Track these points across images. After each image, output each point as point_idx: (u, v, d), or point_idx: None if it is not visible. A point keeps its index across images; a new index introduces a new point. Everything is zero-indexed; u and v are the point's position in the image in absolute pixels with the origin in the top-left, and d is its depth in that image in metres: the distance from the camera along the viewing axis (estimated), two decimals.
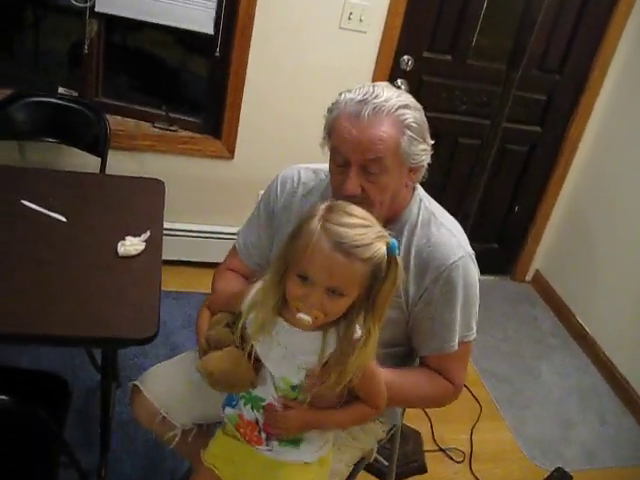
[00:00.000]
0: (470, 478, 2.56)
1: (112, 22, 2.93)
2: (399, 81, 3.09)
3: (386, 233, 1.27)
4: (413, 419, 2.69)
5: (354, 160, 1.46)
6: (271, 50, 2.93)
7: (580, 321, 3.48)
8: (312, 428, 1.42)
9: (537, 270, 3.88)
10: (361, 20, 2.95)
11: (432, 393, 1.64)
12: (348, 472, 1.77)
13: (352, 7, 2.91)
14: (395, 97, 1.46)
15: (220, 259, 2.78)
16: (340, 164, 1.49)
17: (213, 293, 1.75)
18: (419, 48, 3.10)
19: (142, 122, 3.06)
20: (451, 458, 2.63)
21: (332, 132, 1.51)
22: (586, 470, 2.71)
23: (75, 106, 2.72)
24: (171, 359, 1.85)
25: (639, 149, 3.22)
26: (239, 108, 3.02)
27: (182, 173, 3.06)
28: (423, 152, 1.50)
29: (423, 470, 2.55)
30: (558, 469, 2.64)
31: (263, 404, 1.40)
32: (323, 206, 1.28)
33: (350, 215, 1.26)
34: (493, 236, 3.73)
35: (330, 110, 1.52)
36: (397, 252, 1.25)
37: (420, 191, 1.65)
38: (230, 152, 3.11)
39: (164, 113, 3.05)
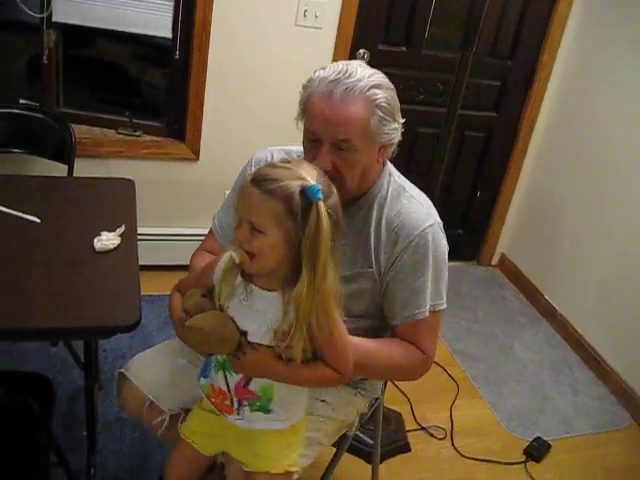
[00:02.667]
0: (453, 453, 2.62)
1: (70, 32, 2.94)
2: (361, 51, 3.17)
3: (309, 179, 1.29)
4: (394, 401, 2.75)
5: (325, 138, 1.51)
6: (230, 50, 2.98)
7: (548, 299, 3.58)
8: (271, 375, 1.41)
9: (502, 253, 3.98)
10: (316, 17, 3.02)
11: (404, 362, 1.65)
12: (329, 443, 1.81)
13: (307, 4, 2.98)
14: (367, 77, 1.51)
15: (185, 261, 2.82)
16: (313, 140, 1.55)
17: (190, 270, 1.78)
18: (374, 41, 3.18)
19: (106, 129, 3.08)
20: (433, 435, 2.69)
21: (305, 109, 1.56)
22: (563, 438, 2.79)
23: (38, 116, 2.72)
24: (154, 347, 1.88)
25: (592, 127, 3.33)
26: (201, 109, 3.06)
27: (149, 177, 3.09)
28: (393, 131, 1.56)
29: (407, 449, 2.60)
30: (537, 438, 2.72)
31: None
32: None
33: (279, 163, 1.35)
34: (457, 223, 3.82)
35: (305, 87, 1.57)
36: (318, 197, 1.26)
37: (390, 166, 1.70)
38: (195, 154, 3.15)
39: (127, 119, 3.07)
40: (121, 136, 3.06)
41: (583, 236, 3.38)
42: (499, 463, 2.60)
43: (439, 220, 1.66)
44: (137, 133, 3.08)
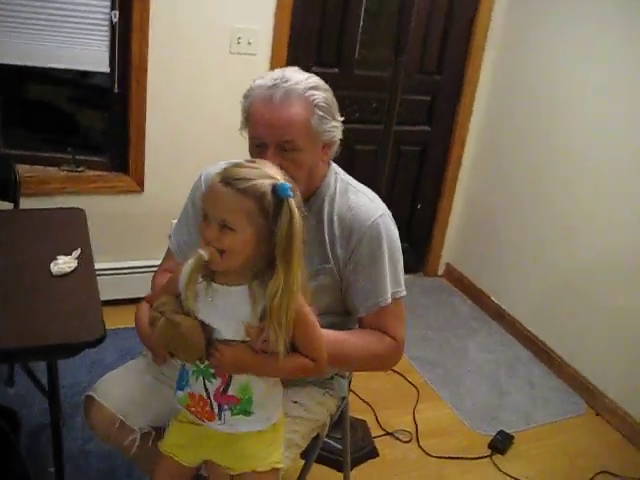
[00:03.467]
0: (420, 454, 2.66)
1: (5, 72, 2.95)
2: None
3: (278, 178, 1.35)
4: (357, 410, 2.78)
5: (270, 141, 1.57)
6: (168, 81, 3.04)
7: (496, 301, 3.69)
8: (249, 368, 1.42)
9: (447, 263, 4.09)
10: (249, 43, 3.10)
11: (376, 349, 1.69)
12: (304, 445, 1.81)
13: (239, 32, 3.06)
14: (304, 80, 1.59)
15: (140, 293, 2.82)
16: (258, 145, 1.60)
17: (152, 290, 1.79)
18: (307, 64, 3.27)
19: (49, 167, 3.07)
20: (399, 439, 2.73)
21: (248, 117, 1.62)
22: (525, 430, 2.86)
23: None
24: (120, 367, 1.88)
25: (522, 133, 3.49)
26: (143, 141, 3.09)
27: (95, 211, 3.01)
28: (334, 128, 1.63)
29: (375, 454, 2.63)
30: (500, 432, 2.79)
31: (212, 371, 1.44)
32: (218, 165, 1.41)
33: (245, 162, 1.39)
34: (401, 236, 3.83)
35: (245, 97, 1.63)
36: (288, 194, 1.31)
37: (334, 165, 1.77)
38: (139, 185, 3.17)
39: (70, 156, 3.07)
40: (65, 173, 3.06)
41: (522, 238, 3.52)
42: (466, 459, 2.66)
43: (388, 211, 1.73)
44: (80, 169, 3.08)
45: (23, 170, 2.89)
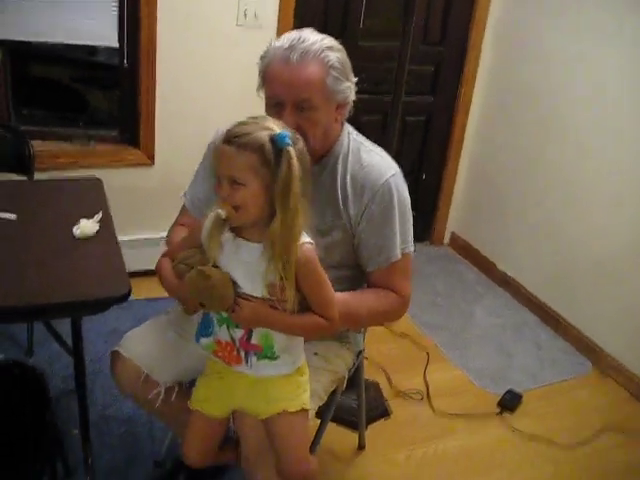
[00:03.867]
0: (431, 413, 2.74)
1: (17, 50, 3.00)
2: None
3: (275, 128, 1.40)
4: (369, 372, 2.84)
5: (287, 100, 1.62)
6: (176, 54, 3.08)
7: (501, 268, 3.75)
8: (265, 323, 1.49)
9: (453, 232, 4.15)
10: (256, 16, 3.14)
11: (383, 306, 1.77)
12: (325, 397, 1.87)
13: (246, 5, 3.10)
14: (319, 41, 1.64)
15: (151, 266, 2.88)
16: (275, 105, 1.65)
17: (169, 245, 1.85)
18: None
19: (61, 142, 3.13)
20: (411, 398, 2.80)
21: (265, 78, 1.67)
22: (532, 389, 2.94)
23: None
24: (143, 324, 1.94)
25: (525, 98, 3.54)
26: (153, 114, 3.14)
27: (106, 185, 3.12)
28: (347, 89, 1.69)
29: (388, 413, 2.70)
30: (509, 391, 2.86)
31: None
32: None
33: (246, 119, 1.43)
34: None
35: (262, 58, 1.69)
36: (286, 143, 1.37)
37: (347, 126, 1.82)
38: (150, 159, 3.22)
39: (81, 131, 3.13)
40: (76, 147, 3.11)
41: (526, 206, 3.57)
42: (476, 416, 2.73)
43: (399, 170, 1.79)
44: (91, 143, 3.13)
45: (36, 145, 2.92)
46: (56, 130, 3.17)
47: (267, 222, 1.42)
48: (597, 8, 3.07)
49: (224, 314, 1.52)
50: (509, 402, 2.80)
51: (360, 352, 2.11)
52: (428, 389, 2.85)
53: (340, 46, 1.70)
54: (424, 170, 3.93)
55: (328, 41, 1.66)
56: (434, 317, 3.38)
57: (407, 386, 2.86)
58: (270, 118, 1.48)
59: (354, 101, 1.76)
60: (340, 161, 1.76)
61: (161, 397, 1.80)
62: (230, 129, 1.41)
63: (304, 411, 1.59)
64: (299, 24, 3.22)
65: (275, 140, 1.37)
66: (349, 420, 2.57)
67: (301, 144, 1.45)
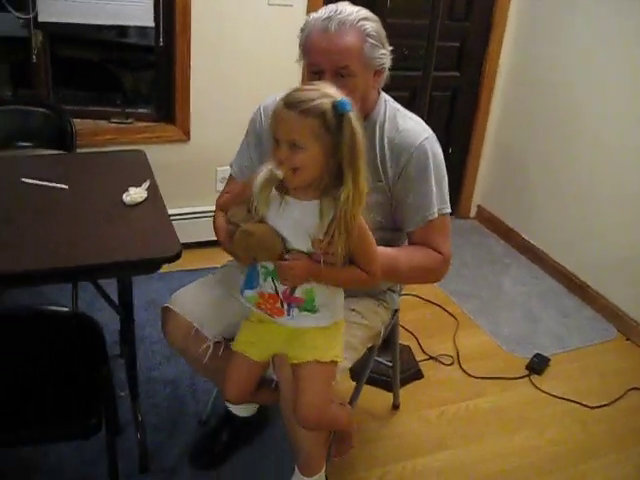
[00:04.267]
0: (462, 375, 2.84)
1: (56, 31, 3.11)
2: None
3: (337, 95, 1.47)
4: (401, 337, 2.93)
5: (327, 67, 1.71)
6: (210, 33, 3.18)
7: (527, 238, 3.83)
8: (314, 278, 1.58)
9: (479, 205, 4.23)
10: None
11: (425, 263, 1.86)
12: (362, 350, 1.98)
13: None
14: (355, 12, 1.73)
15: (191, 239, 3.00)
16: (315, 72, 1.75)
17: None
18: None
19: (99, 121, 3.24)
20: (442, 362, 2.90)
21: (305, 48, 1.77)
22: (559, 353, 3.02)
23: (38, 109, 2.88)
24: (193, 283, 2.05)
25: (550, 73, 3.60)
26: (188, 91, 3.25)
27: None
28: (383, 56, 1.78)
29: (420, 375, 2.80)
30: (537, 355, 2.95)
31: None
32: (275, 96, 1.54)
33: (306, 86, 1.51)
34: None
35: (302, 30, 1.79)
36: (347, 108, 1.44)
37: (384, 94, 1.92)
38: (186, 134, 3.33)
39: (119, 109, 3.24)
40: (114, 125, 3.23)
41: (550, 177, 3.65)
42: (506, 379, 2.82)
43: (432, 133, 1.89)
44: (129, 121, 3.25)
45: (75, 123, 3.06)
46: (94, 109, 3.29)
47: (319, 184, 1.50)
48: None
49: (269, 267, 1.61)
50: (537, 365, 2.89)
51: (396, 311, 2.21)
52: (458, 353, 2.95)
53: (375, 16, 1.78)
54: (451, 144, 4.00)
55: (364, 12, 1.76)
56: (462, 286, 3.47)
57: (438, 351, 2.96)
58: (327, 84, 1.54)
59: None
60: (378, 126, 1.85)
61: (209, 352, 1.90)
62: (291, 95, 1.47)
63: (333, 363, 1.69)
64: (328, 2, 3.32)
65: (337, 106, 1.44)
66: (384, 381, 2.68)
67: (356, 110, 1.51)
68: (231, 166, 2.07)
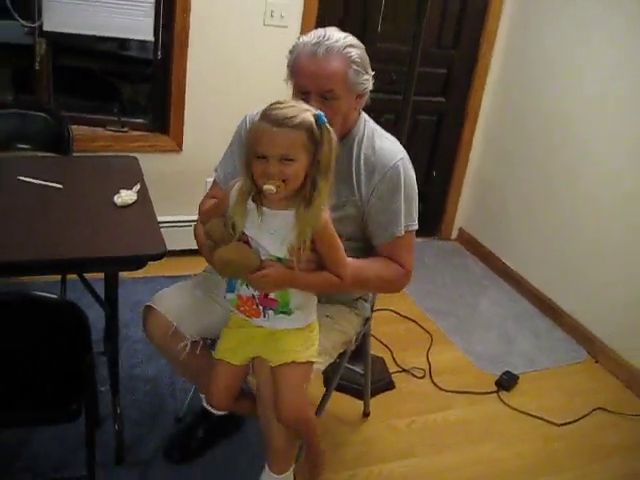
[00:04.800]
0: (433, 388, 2.94)
1: (59, 41, 3.24)
2: None
3: (312, 109, 1.60)
4: (376, 349, 3.06)
5: (313, 90, 1.83)
6: (207, 49, 3.32)
7: (505, 262, 3.96)
8: (287, 284, 1.69)
9: (460, 228, 4.36)
10: (282, 16, 3.38)
11: (388, 274, 1.97)
12: (335, 355, 2.08)
13: (273, 6, 3.34)
14: (342, 39, 1.86)
15: (177, 247, 3.10)
16: (302, 93, 1.86)
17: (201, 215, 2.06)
18: None
19: (96, 128, 3.36)
20: (414, 375, 3.00)
21: (293, 69, 1.89)
22: (529, 372, 3.13)
23: (38, 113, 2.99)
24: (174, 284, 2.15)
25: (533, 105, 3.75)
26: (183, 104, 3.38)
27: None
28: (366, 81, 1.91)
29: (392, 386, 2.90)
30: (506, 372, 3.06)
31: None
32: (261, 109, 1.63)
33: (279, 103, 1.60)
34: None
35: (291, 52, 1.92)
36: (324, 120, 1.58)
37: (364, 114, 2.04)
38: (178, 145, 3.46)
39: (116, 118, 3.36)
40: (110, 132, 3.35)
41: (530, 203, 3.78)
42: (474, 393, 2.93)
43: (406, 154, 2.00)
44: (124, 129, 3.37)
45: (72, 129, 3.18)
46: (91, 117, 3.41)
47: (296, 193, 1.61)
48: (605, 14, 3.27)
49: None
50: (506, 382, 3.00)
51: (367, 319, 2.32)
52: (430, 367, 3.06)
53: (360, 44, 1.92)
54: (435, 167, 4.14)
55: (350, 39, 1.89)
56: (439, 304, 3.59)
57: (411, 364, 3.06)
58: (298, 101, 1.66)
59: (371, 100, 1.97)
60: (356, 143, 1.97)
61: (187, 350, 2.00)
62: (274, 113, 1.56)
63: (310, 364, 1.79)
64: (321, 25, 3.44)
65: (319, 119, 1.57)
66: (355, 389, 2.77)
67: (336, 128, 1.66)
68: (215, 171, 2.18)
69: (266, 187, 1.57)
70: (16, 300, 1.67)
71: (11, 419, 1.79)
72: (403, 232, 1.96)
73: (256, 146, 1.58)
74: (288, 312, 1.75)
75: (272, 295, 1.73)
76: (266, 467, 2.03)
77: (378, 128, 2.05)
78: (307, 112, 1.58)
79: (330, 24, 3.49)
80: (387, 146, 1.98)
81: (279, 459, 2.00)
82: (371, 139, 1.99)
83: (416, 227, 2.01)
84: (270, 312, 1.75)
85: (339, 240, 1.71)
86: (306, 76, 1.84)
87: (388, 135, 2.05)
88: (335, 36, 1.86)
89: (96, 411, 2.04)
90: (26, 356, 1.77)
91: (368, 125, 2.02)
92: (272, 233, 1.66)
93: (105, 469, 2.21)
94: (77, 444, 2.21)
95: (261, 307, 1.75)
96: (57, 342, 1.79)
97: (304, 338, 1.80)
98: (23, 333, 1.72)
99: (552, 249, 3.63)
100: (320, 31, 1.89)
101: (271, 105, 1.61)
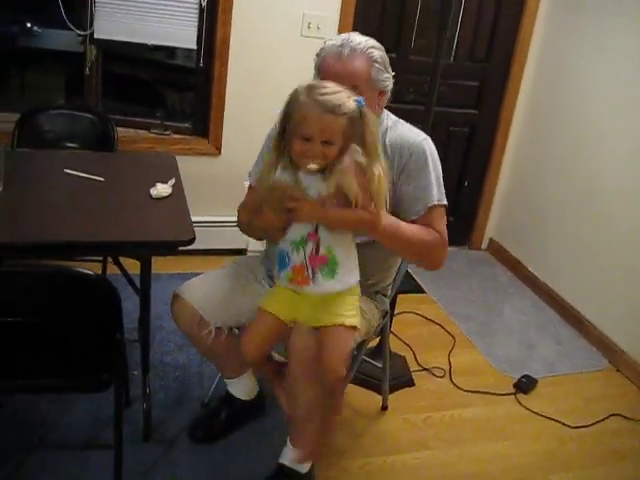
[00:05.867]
0: (452, 387, 3.03)
1: (108, 48, 3.47)
2: None
3: (353, 95, 1.75)
4: (399, 349, 3.17)
5: None
6: (247, 58, 3.51)
7: (532, 271, 4.03)
8: (321, 216, 1.79)
9: (491, 238, 4.44)
10: (318, 28, 3.54)
11: (426, 237, 2.06)
12: (358, 339, 2.16)
13: (310, 18, 3.52)
14: (364, 41, 2.02)
15: (215, 246, 3.27)
16: None
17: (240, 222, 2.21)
18: None
19: (140, 130, 3.57)
20: (434, 374, 3.10)
21: (320, 69, 2.05)
22: (548, 376, 3.19)
23: (87, 115, 3.20)
24: (203, 274, 2.31)
25: (564, 116, 3.83)
26: (222, 110, 3.56)
27: None
28: (387, 79, 2.06)
29: (411, 383, 3.00)
30: (525, 375, 3.12)
31: (305, 237, 1.82)
32: (304, 86, 1.77)
33: (325, 87, 1.75)
34: (448, 210, 4.27)
35: (318, 54, 2.08)
36: (363, 104, 1.74)
37: (386, 110, 2.19)
38: (217, 149, 3.64)
39: (159, 121, 3.56)
40: (153, 135, 3.55)
41: (560, 216, 3.84)
42: (493, 394, 3.00)
43: (429, 137, 2.15)
44: (167, 132, 3.57)
45: (118, 131, 3.39)
46: (136, 120, 3.62)
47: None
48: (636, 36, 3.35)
49: (298, 238, 1.84)
50: (524, 385, 3.07)
51: (386, 313, 2.44)
52: (451, 367, 3.15)
53: (381, 46, 2.07)
54: (466, 178, 4.24)
55: (372, 41, 2.04)
56: (464, 309, 3.67)
57: (431, 364, 3.15)
58: (338, 85, 1.78)
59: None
60: (380, 134, 2.10)
61: (211, 336, 2.17)
62: (324, 98, 1.71)
63: (354, 329, 1.89)
64: None
65: (359, 104, 1.74)
66: (375, 384, 2.89)
67: None
68: (249, 175, 2.35)
69: (310, 166, 1.73)
70: (58, 275, 1.84)
71: (47, 385, 1.95)
72: (436, 202, 2.08)
73: (303, 128, 1.72)
74: (333, 272, 1.84)
75: (321, 251, 1.82)
76: (288, 442, 2.17)
77: (401, 120, 2.20)
78: (350, 99, 1.74)
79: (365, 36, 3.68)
80: (410, 129, 2.15)
81: (301, 433, 2.12)
82: (394, 128, 2.15)
83: (446, 203, 2.12)
84: (318, 276, 1.83)
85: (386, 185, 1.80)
86: (332, 75, 1.97)
87: (409, 124, 2.19)
88: (358, 39, 2.02)
89: (125, 385, 2.19)
90: (64, 328, 1.94)
91: (391, 118, 2.19)
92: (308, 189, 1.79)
93: (132, 444, 2.36)
94: (107, 420, 2.37)
95: (311, 272, 1.83)
96: (92, 317, 1.96)
97: (350, 303, 1.89)
98: (63, 306, 1.89)
99: (581, 260, 3.68)
100: (344, 35, 2.06)
101: (318, 86, 1.76)
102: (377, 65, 2.01)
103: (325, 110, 1.71)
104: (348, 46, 1.99)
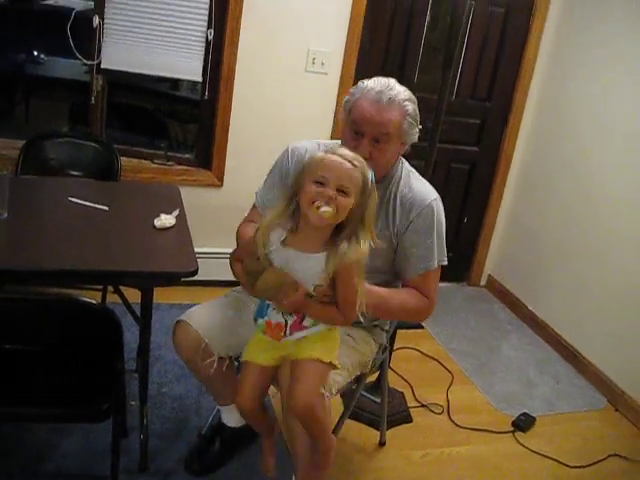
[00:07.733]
0: (450, 424, 3.01)
1: (115, 79, 3.50)
2: None
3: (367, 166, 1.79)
4: (397, 384, 3.15)
5: (368, 133, 2.03)
6: (251, 91, 3.54)
7: (531, 309, 4.03)
8: (301, 309, 1.81)
9: (489, 275, 4.45)
10: (323, 64, 3.59)
11: (413, 303, 2.13)
12: (353, 374, 2.19)
13: (315, 54, 3.56)
14: (402, 92, 2.07)
15: (215, 277, 3.27)
16: (356, 132, 2.05)
17: (240, 239, 2.23)
18: None
19: (143, 160, 3.59)
20: (432, 411, 3.08)
21: (353, 110, 2.07)
22: (547, 415, 3.18)
23: (91, 144, 3.23)
24: (206, 302, 2.31)
25: (564, 160, 3.87)
26: (226, 142, 3.59)
27: None
28: (415, 133, 2.11)
29: (409, 419, 2.99)
30: (524, 414, 3.11)
31: None
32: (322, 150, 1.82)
33: (344, 149, 1.80)
34: (447, 247, 4.28)
35: (352, 94, 2.10)
36: (374, 178, 1.78)
37: (402, 158, 2.22)
38: (219, 180, 3.66)
39: (162, 152, 3.59)
40: (156, 165, 3.57)
41: (558, 253, 3.86)
42: (491, 432, 2.99)
43: (438, 195, 2.18)
44: (170, 163, 3.59)
45: (121, 160, 3.41)
46: (140, 150, 3.64)
47: (326, 234, 1.77)
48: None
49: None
50: (522, 423, 3.05)
51: (385, 348, 2.44)
52: (449, 404, 3.13)
53: (415, 99, 2.11)
54: (466, 214, 4.27)
55: (408, 93, 2.09)
56: (463, 346, 3.67)
57: (430, 400, 3.14)
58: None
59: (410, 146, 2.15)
60: (394, 182, 2.16)
61: (214, 366, 2.14)
62: (342, 151, 1.76)
63: (330, 366, 1.89)
64: (360, 73, 3.67)
65: (373, 172, 1.78)
66: (373, 419, 2.87)
67: (379, 169, 1.93)
68: (256, 195, 2.37)
69: (324, 209, 1.68)
70: (60, 303, 1.84)
71: (47, 414, 1.94)
72: (436, 266, 2.13)
73: (317, 171, 1.72)
74: (312, 330, 1.87)
75: (306, 322, 1.85)
76: (293, 478, 2.16)
77: (414, 170, 2.24)
78: (366, 166, 1.77)
79: (369, 73, 3.70)
80: (422, 186, 2.18)
81: (297, 467, 2.10)
82: (407, 179, 2.18)
83: (446, 262, 2.18)
84: (296, 334, 1.87)
85: (357, 282, 1.79)
86: (366, 119, 2.02)
87: (422, 178, 2.24)
88: (397, 88, 2.06)
89: (123, 415, 2.18)
90: (64, 356, 1.93)
91: (405, 167, 2.22)
92: (297, 274, 1.79)
93: (129, 475, 2.34)
94: (104, 450, 2.35)
95: (289, 332, 1.86)
96: (94, 346, 1.96)
97: (328, 340, 1.90)
98: (64, 334, 1.89)
99: (580, 299, 3.69)
100: (384, 80, 2.08)
101: (338, 147, 1.81)
102: (409, 119, 2.05)
103: (345, 159, 1.73)
104: (387, 94, 2.02)
